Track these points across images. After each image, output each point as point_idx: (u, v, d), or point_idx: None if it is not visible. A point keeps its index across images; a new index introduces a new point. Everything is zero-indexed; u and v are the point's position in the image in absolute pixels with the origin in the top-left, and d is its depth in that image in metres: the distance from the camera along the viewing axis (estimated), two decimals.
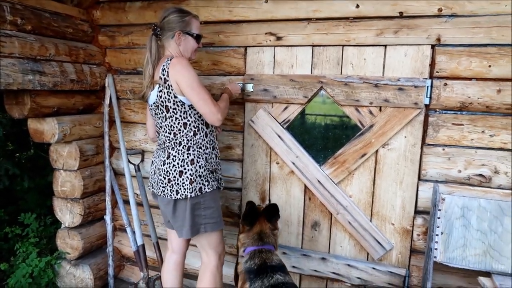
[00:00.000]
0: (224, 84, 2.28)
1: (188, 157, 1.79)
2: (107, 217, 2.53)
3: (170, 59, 1.75)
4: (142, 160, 2.59)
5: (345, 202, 2.13)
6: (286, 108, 2.18)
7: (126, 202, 2.59)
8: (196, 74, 1.75)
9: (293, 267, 2.27)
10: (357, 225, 2.12)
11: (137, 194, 2.59)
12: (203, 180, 1.81)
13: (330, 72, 2.06)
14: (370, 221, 2.11)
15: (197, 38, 1.89)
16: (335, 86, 2.03)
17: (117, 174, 2.68)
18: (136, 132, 2.60)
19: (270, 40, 2.15)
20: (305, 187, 2.22)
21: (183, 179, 1.78)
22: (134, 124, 2.60)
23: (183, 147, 1.80)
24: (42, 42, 2.08)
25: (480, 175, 1.88)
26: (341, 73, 2.04)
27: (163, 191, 1.83)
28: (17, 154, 3.60)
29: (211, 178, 1.86)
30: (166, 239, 2.21)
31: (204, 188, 1.81)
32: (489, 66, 1.80)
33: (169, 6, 2.08)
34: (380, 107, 1.98)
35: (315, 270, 2.23)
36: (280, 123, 2.20)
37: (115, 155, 2.68)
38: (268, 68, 2.20)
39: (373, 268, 2.11)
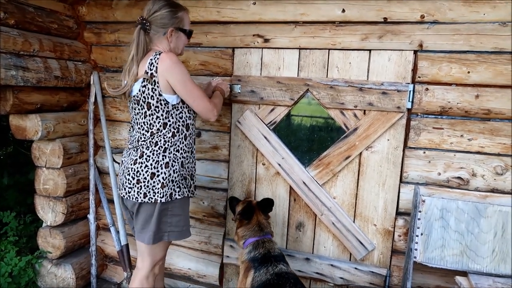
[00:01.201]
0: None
1: (163, 159, 1.71)
2: (91, 216, 2.50)
3: (159, 53, 1.66)
4: None
5: (329, 203, 2.16)
6: (272, 109, 2.20)
7: (110, 201, 2.57)
8: (187, 70, 1.71)
9: None
10: (341, 226, 2.16)
11: None
12: (174, 186, 1.73)
13: (316, 75, 2.10)
14: (353, 222, 2.15)
15: (189, 34, 1.84)
16: (321, 89, 2.06)
17: (101, 172, 2.65)
18: (122, 130, 2.58)
19: (257, 42, 2.17)
20: (290, 188, 2.25)
21: (154, 182, 1.69)
22: (120, 122, 2.57)
23: (159, 148, 1.71)
24: (26, 37, 2.04)
25: (459, 177, 1.94)
26: (327, 76, 2.08)
27: (129, 192, 1.73)
28: None
29: (182, 185, 1.77)
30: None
31: (175, 194, 1.73)
32: (468, 72, 1.86)
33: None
34: (365, 110, 2.02)
35: (299, 270, 2.25)
36: (266, 125, 2.22)
37: (99, 154, 2.65)
38: (255, 69, 2.22)
39: (356, 268, 2.15)
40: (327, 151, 2.13)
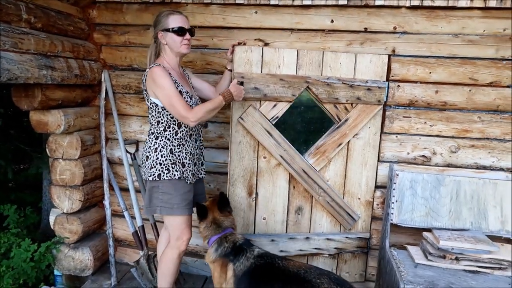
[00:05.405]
0: (217, 82, 2.57)
1: (154, 145, 2.03)
2: (106, 202, 2.72)
3: (150, 68, 1.98)
4: (137, 150, 2.81)
5: (325, 186, 2.49)
6: (275, 105, 2.42)
7: (123, 189, 2.80)
8: (169, 80, 1.92)
9: (281, 251, 2.50)
10: (334, 204, 2.51)
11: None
12: (163, 168, 1.99)
13: (313, 73, 2.39)
14: (343, 198, 2.54)
15: (178, 31, 1.99)
16: (319, 85, 2.39)
17: (111, 162, 2.87)
18: (131, 123, 2.81)
19: (259, 45, 2.51)
20: (290, 176, 2.47)
21: (148, 164, 2.03)
22: (129, 116, 2.80)
23: (153, 136, 2.05)
24: (51, 39, 2.23)
25: (423, 156, 2.46)
26: (321, 74, 2.40)
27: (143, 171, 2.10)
28: None
29: (173, 168, 1.99)
30: (163, 222, 2.28)
31: (163, 175, 1.98)
32: (430, 72, 2.36)
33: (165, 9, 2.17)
34: (352, 103, 2.42)
35: (300, 250, 2.52)
36: (269, 120, 2.42)
37: (109, 145, 2.86)
38: (256, 67, 2.40)
39: (346, 237, 2.55)
40: (324, 140, 2.45)
